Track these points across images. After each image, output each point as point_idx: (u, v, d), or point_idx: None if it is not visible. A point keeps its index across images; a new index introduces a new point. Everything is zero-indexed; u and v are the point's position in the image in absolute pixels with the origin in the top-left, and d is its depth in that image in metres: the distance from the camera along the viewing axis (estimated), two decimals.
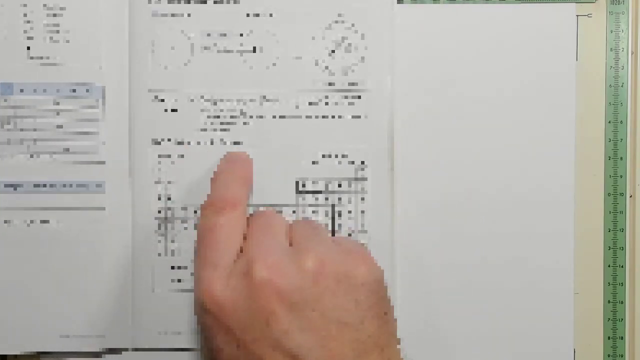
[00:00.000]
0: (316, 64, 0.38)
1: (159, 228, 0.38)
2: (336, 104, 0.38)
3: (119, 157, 0.38)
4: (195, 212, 0.38)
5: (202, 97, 0.38)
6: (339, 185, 0.38)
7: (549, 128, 0.38)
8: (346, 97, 0.38)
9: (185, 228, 0.38)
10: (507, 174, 0.38)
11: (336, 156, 0.38)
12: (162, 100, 0.37)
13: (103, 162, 0.37)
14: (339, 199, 0.38)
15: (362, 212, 0.38)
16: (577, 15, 0.38)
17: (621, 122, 0.38)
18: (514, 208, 0.38)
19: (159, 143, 0.38)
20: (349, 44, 0.38)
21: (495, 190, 0.38)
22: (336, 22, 0.38)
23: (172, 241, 0.38)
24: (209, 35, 0.38)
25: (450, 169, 0.38)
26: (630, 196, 0.39)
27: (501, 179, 0.38)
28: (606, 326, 0.39)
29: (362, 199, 0.38)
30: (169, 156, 0.38)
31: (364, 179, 0.38)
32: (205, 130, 0.38)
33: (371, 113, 0.38)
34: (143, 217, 0.38)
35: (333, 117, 0.38)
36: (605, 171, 0.39)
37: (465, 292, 0.38)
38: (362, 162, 0.38)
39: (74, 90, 0.37)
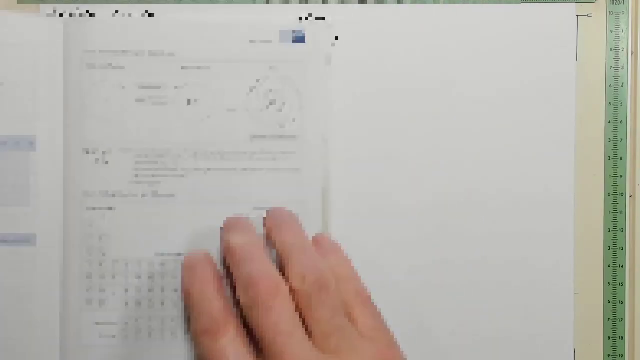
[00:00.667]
0: (251, 117, 0.37)
1: (89, 279, 0.37)
2: (270, 157, 0.37)
3: (52, 210, 0.37)
4: (127, 264, 0.37)
5: (135, 149, 0.37)
6: None
7: (549, 128, 0.38)
8: (281, 151, 0.37)
9: (114, 278, 0.37)
10: (507, 174, 0.38)
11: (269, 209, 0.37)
12: (95, 152, 0.37)
13: (34, 215, 0.37)
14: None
15: None
16: (577, 15, 0.38)
17: (621, 122, 0.38)
18: (514, 208, 0.38)
19: (92, 196, 0.37)
20: (284, 98, 0.37)
21: (495, 191, 0.38)
22: (271, 75, 0.37)
23: (102, 291, 0.37)
24: (143, 87, 0.37)
25: (450, 169, 0.38)
26: (630, 196, 0.39)
27: (501, 179, 0.38)
28: (606, 326, 0.39)
29: None
30: (102, 209, 0.37)
31: None
32: (138, 183, 0.37)
33: (306, 166, 0.37)
34: (74, 270, 0.37)
35: (268, 170, 0.37)
36: (605, 171, 0.39)
37: (465, 292, 0.38)
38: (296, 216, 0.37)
39: (5, 143, 0.37)
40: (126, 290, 0.37)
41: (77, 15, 0.38)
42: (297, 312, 0.31)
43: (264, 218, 0.36)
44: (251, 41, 0.37)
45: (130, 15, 0.38)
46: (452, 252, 0.38)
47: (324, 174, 0.38)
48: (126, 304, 0.37)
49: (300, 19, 0.38)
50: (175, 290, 0.37)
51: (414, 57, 0.38)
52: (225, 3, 0.38)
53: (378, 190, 0.38)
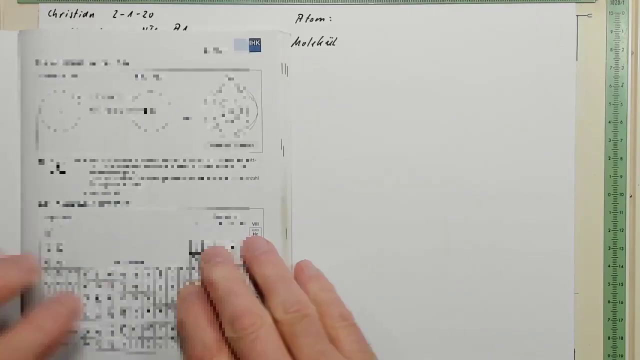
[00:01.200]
0: (208, 126, 0.37)
1: (48, 289, 0.37)
2: (228, 166, 0.37)
3: (9, 221, 0.37)
4: (85, 274, 0.37)
5: (91, 158, 0.37)
6: (232, 248, 0.37)
7: (549, 128, 0.38)
8: (239, 159, 0.37)
9: (71, 285, 0.37)
10: (507, 174, 0.38)
11: (228, 217, 0.37)
12: (51, 162, 0.37)
13: None
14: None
15: None
16: (577, 15, 0.38)
17: (621, 122, 0.38)
18: (514, 207, 0.38)
19: (48, 205, 0.37)
20: (241, 106, 0.37)
21: (495, 190, 0.38)
22: (227, 84, 0.37)
23: None
24: (98, 97, 0.37)
25: (449, 170, 0.38)
26: (630, 196, 0.39)
27: (501, 179, 0.38)
28: (606, 326, 0.39)
29: None
30: (58, 218, 0.37)
31: None
32: (94, 192, 0.37)
33: (264, 175, 0.37)
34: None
35: (225, 178, 0.37)
36: (605, 171, 0.39)
37: (466, 292, 0.38)
38: (256, 224, 0.37)
39: None
40: (87, 299, 0.37)
41: (78, 15, 0.38)
42: (283, 342, 0.33)
43: (241, 248, 0.37)
44: (206, 50, 0.37)
45: (130, 14, 0.38)
46: (452, 253, 0.38)
47: (283, 182, 0.38)
48: (85, 313, 0.37)
49: (300, 17, 0.38)
50: (136, 299, 0.37)
51: (414, 57, 0.38)
52: (226, 3, 0.38)
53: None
